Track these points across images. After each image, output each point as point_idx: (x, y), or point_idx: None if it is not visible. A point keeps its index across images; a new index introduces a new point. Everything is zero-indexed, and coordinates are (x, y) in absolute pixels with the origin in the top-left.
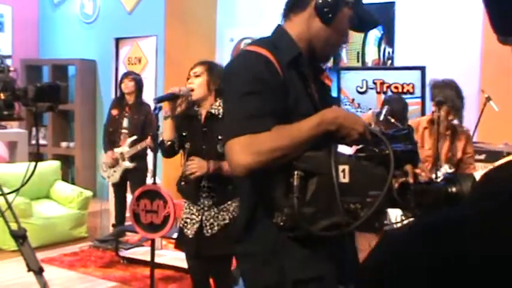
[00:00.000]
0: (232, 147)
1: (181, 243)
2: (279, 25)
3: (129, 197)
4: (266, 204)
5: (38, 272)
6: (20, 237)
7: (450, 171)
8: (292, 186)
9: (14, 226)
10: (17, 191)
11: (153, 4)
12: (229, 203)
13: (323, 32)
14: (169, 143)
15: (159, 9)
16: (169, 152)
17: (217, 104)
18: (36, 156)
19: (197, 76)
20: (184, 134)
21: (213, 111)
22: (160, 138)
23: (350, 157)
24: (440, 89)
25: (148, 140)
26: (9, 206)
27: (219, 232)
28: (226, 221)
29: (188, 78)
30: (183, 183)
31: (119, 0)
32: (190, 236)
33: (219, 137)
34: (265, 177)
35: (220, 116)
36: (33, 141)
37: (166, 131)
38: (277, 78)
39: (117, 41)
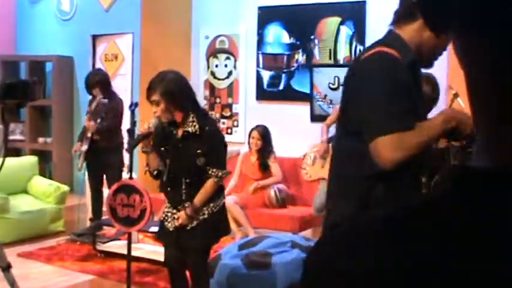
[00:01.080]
0: (382, 144)
1: (161, 235)
2: (391, 29)
3: (106, 192)
4: (387, 196)
5: (6, 268)
6: None
7: None
8: (421, 182)
9: None
10: None
11: (130, 2)
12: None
13: (433, 41)
14: (155, 172)
15: (135, 7)
16: (158, 177)
17: (190, 119)
18: (5, 153)
19: (157, 104)
20: (163, 148)
21: (189, 130)
22: (145, 169)
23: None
24: None
25: (91, 124)
26: None
27: (198, 226)
28: (205, 216)
29: (151, 103)
30: (169, 189)
31: None
32: (171, 229)
33: (198, 151)
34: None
35: (197, 133)
36: (11, 137)
37: (150, 163)
38: (408, 79)
39: (94, 37)
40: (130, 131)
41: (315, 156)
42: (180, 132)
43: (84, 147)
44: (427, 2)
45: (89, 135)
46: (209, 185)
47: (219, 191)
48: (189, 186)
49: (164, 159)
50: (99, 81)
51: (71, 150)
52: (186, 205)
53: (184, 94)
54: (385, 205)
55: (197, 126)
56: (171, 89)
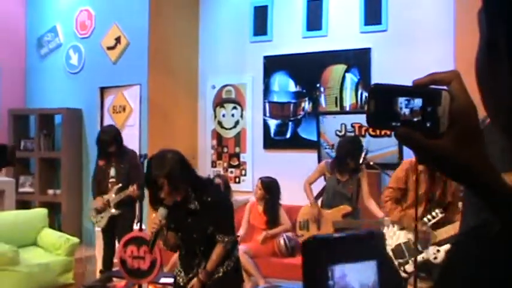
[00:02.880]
0: None
1: None
2: None
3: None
4: None
5: None
6: None
7: (441, 215)
8: None
9: None
10: None
11: (137, 54)
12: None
13: None
14: (175, 248)
15: (142, 59)
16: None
17: (191, 197)
18: None
19: (161, 187)
20: (171, 226)
21: (191, 207)
22: (165, 247)
23: None
24: None
25: (132, 188)
26: None
27: (214, 284)
28: (220, 274)
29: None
30: (180, 257)
31: (104, 51)
32: (182, 284)
33: (205, 223)
34: None
35: (198, 209)
36: (21, 189)
37: (168, 242)
38: None
39: (102, 90)
40: (141, 184)
41: (306, 220)
42: (184, 210)
43: (114, 211)
44: None
45: (114, 196)
46: (218, 250)
47: (232, 249)
48: (203, 254)
49: (176, 233)
50: (115, 139)
51: (93, 207)
52: (200, 270)
53: (185, 174)
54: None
55: (197, 203)
56: (174, 171)
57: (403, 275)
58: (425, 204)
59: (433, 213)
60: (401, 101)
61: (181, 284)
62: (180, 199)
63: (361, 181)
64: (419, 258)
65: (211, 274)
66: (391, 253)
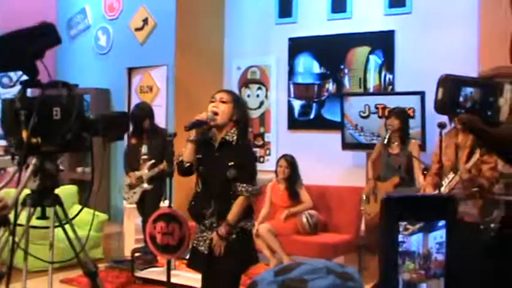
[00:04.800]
0: None
1: (193, 262)
2: None
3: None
4: None
5: (92, 273)
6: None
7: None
8: None
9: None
10: (74, 218)
11: (164, 35)
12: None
13: None
14: (188, 164)
15: (169, 40)
16: (186, 172)
17: (232, 131)
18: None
19: (223, 102)
20: (199, 156)
21: (227, 137)
22: (180, 158)
23: None
24: None
25: (165, 164)
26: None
27: (228, 247)
28: (234, 237)
29: (212, 102)
30: (193, 202)
31: (132, 32)
32: (206, 252)
33: (230, 163)
34: None
35: (233, 143)
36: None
37: (187, 153)
38: None
39: (130, 70)
40: (170, 161)
41: (366, 195)
42: (217, 140)
43: (146, 186)
44: None
45: (147, 171)
46: (240, 201)
47: (249, 212)
48: (216, 201)
49: (198, 166)
50: (149, 114)
51: (125, 184)
52: (212, 221)
53: (245, 110)
54: None
55: (235, 138)
56: (243, 102)
57: None
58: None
59: (449, 176)
60: (466, 90)
61: (205, 252)
62: (223, 129)
63: (412, 153)
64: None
65: (231, 227)
66: None
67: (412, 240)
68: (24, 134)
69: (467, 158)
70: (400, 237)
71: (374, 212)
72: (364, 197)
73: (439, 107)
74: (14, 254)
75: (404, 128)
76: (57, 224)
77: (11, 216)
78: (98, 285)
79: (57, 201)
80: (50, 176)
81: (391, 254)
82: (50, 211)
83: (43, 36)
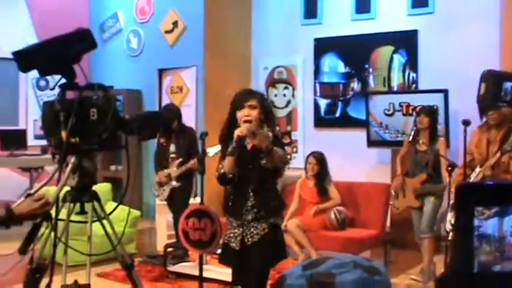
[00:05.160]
0: None
1: (224, 258)
2: None
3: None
4: None
5: (128, 266)
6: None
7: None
8: None
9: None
10: (111, 213)
11: (193, 37)
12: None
13: None
14: (230, 175)
15: (198, 42)
16: (229, 183)
17: (264, 130)
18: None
19: (253, 108)
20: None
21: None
22: (222, 171)
23: None
24: None
25: (193, 162)
26: (120, 241)
27: (259, 242)
28: (266, 231)
29: (242, 108)
30: (230, 203)
31: (162, 34)
32: (237, 249)
33: (262, 155)
34: None
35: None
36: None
37: (229, 165)
38: None
39: (160, 71)
40: (201, 159)
41: (395, 190)
42: (250, 144)
43: (175, 183)
44: None
45: (175, 169)
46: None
47: (280, 208)
48: (255, 193)
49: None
50: (177, 115)
51: (155, 181)
52: (249, 217)
53: (270, 105)
54: None
55: (271, 135)
56: (267, 99)
57: (449, 226)
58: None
59: (476, 170)
60: (507, 85)
61: (237, 248)
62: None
63: (439, 151)
64: None
65: (268, 150)
66: (450, 206)
67: (488, 224)
68: (64, 134)
69: (495, 153)
70: (476, 222)
71: (403, 206)
72: (393, 192)
73: (481, 101)
74: (56, 248)
75: (433, 126)
76: (95, 219)
77: (53, 212)
78: (133, 277)
79: (94, 197)
80: (88, 173)
81: (467, 237)
82: (88, 207)
83: (80, 42)
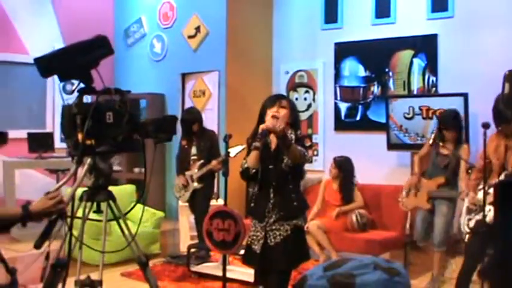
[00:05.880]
0: None
1: (247, 258)
2: None
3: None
4: None
5: (144, 263)
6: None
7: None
8: None
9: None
10: (127, 213)
11: (216, 42)
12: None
13: None
14: (254, 170)
15: (221, 47)
16: (252, 178)
17: (288, 132)
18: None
19: (283, 108)
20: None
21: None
22: (245, 166)
23: None
24: None
25: (214, 163)
26: (134, 238)
27: (282, 243)
28: (289, 232)
29: (272, 107)
30: (252, 204)
31: (185, 39)
32: (258, 251)
33: (284, 157)
34: None
35: (292, 141)
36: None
37: (253, 160)
38: None
39: (183, 76)
40: (225, 161)
41: (408, 188)
42: (274, 141)
43: (196, 185)
44: None
45: (197, 171)
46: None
47: (303, 210)
48: (276, 193)
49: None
50: (197, 118)
51: (176, 184)
52: (272, 218)
53: (298, 113)
54: None
55: (293, 137)
56: (295, 105)
57: (466, 229)
58: (499, 172)
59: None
60: None
61: (258, 251)
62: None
63: (461, 156)
64: (479, 217)
65: (286, 141)
66: (465, 210)
67: None
68: (80, 137)
69: None
70: None
71: (412, 205)
72: (404, 191)
73: (505, 101)
74: (73, 246)
75: (459, 134)
76: (112, 218)
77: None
78: (148, 275)
79: (109, 196)
80: (103, 174)
81: (509, 233)
82: (104, 206)
83: (97, 48)
